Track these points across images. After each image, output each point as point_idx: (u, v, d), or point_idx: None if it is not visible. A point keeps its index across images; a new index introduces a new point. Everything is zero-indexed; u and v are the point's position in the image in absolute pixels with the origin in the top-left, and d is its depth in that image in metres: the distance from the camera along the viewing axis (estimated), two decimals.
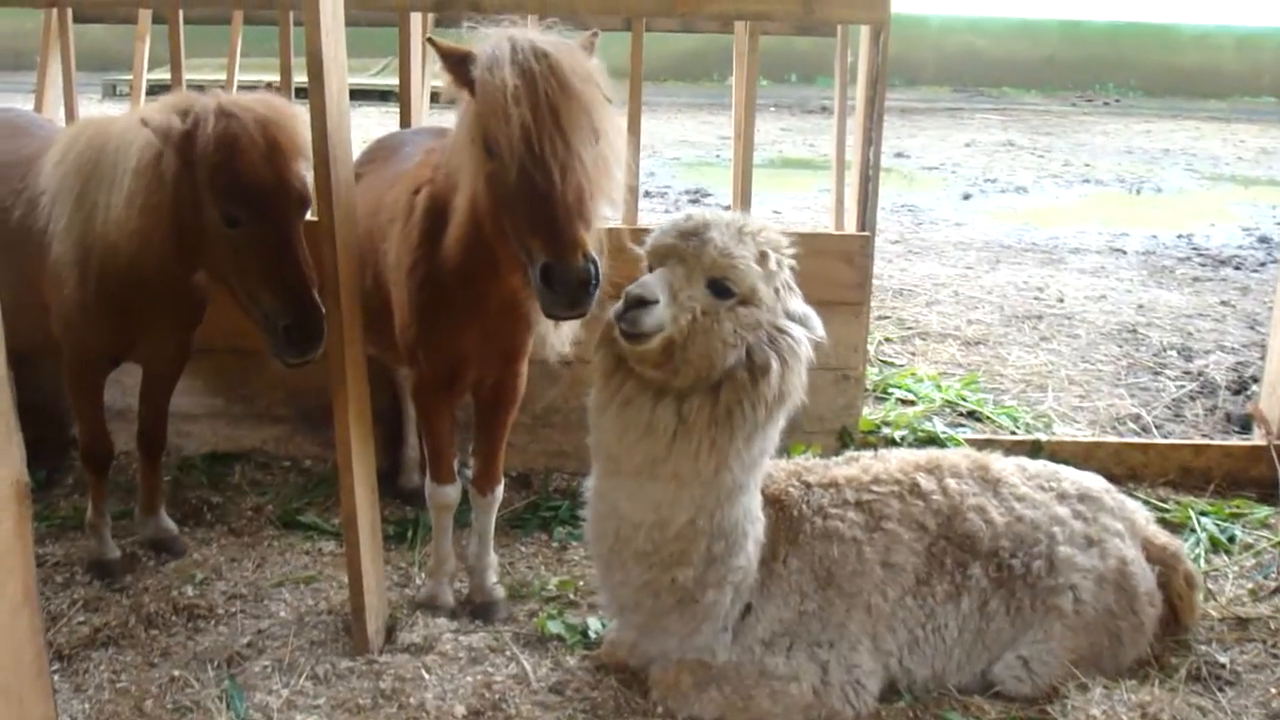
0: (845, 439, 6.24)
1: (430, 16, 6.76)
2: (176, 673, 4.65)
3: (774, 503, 4.46)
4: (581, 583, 5.28)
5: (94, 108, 15.44)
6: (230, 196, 4.41)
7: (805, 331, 4.11)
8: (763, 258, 4.01)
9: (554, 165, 4.02)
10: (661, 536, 4.20)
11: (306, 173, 4.49)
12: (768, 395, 3.99)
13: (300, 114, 4.49)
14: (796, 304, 4.14)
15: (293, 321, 4.43)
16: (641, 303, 3.89)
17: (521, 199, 4.07)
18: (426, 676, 4.56)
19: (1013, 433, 6.74)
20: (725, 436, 4.01)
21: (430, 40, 4.39)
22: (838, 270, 6.02)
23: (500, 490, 5.10)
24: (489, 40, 4.20)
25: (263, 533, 5.75)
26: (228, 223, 4.44)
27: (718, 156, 15.38)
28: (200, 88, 4.86)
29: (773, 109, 18.89)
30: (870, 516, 4.45)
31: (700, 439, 4.00)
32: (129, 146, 4.57)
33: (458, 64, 4.25)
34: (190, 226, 4.55)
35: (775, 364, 3.99)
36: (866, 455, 4.82)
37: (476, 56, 4.19)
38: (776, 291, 4.06)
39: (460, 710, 4.37)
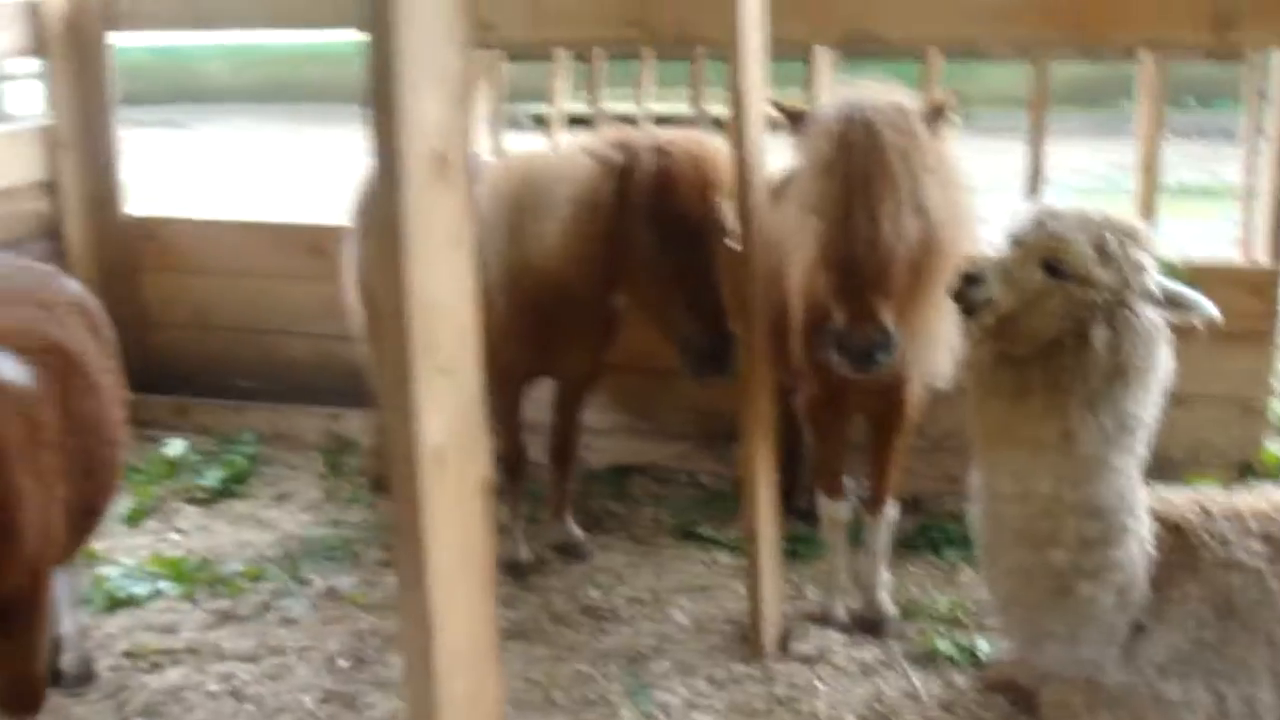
0: (1247, 473, 6.08)
1: (833, 52, 6.94)
2: (583, 668, 4.97)
3: (1171, 528, 4.43)
4: (971, 605, 5.33)
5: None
6: (663, 227, 4.76)
7: (1163, 313, 4.15)
8: (1101, 243, 4.09)
9: (859, 238, 4.28)
10: (1027, 510, 4.24)
11: (727, 205, 4.81)
12: (1099, 362, 4.06)
13: (724, 151, 4.80)
14: (1159, 286, 4.17)
15: (710, 344, 4.76)
16: (970, 279, 4.11)
17: (826, 262, 4.39)
18: (819, 686, 4.73)
19: None
20: (1061, 399, 4.09)
21: (773, 102, 4.62)
22: (1242, 301, 5.88)
23: (892, 510, 5.20)
24: (832, 103, 4.48)
25: (660, 542, 6.02)
26: (655, 250, 4.79)
27: (1112, 184, 15.00)
28: (623, 121, 5.22)
29: (1170, 135, 18.25)
30: (1275, 549, 4.37)
31: (1037, 400, 4.11)
32: (568, 177, 4.98)
33: (796, 124, 4.56)
34: (620, 253, 4.91)
35: (1102, 332, 4.05)
36: (1273, 488, 4.72)
37: (809, 118, 4.48)
38: (1124, 275, 4.12)
39: None
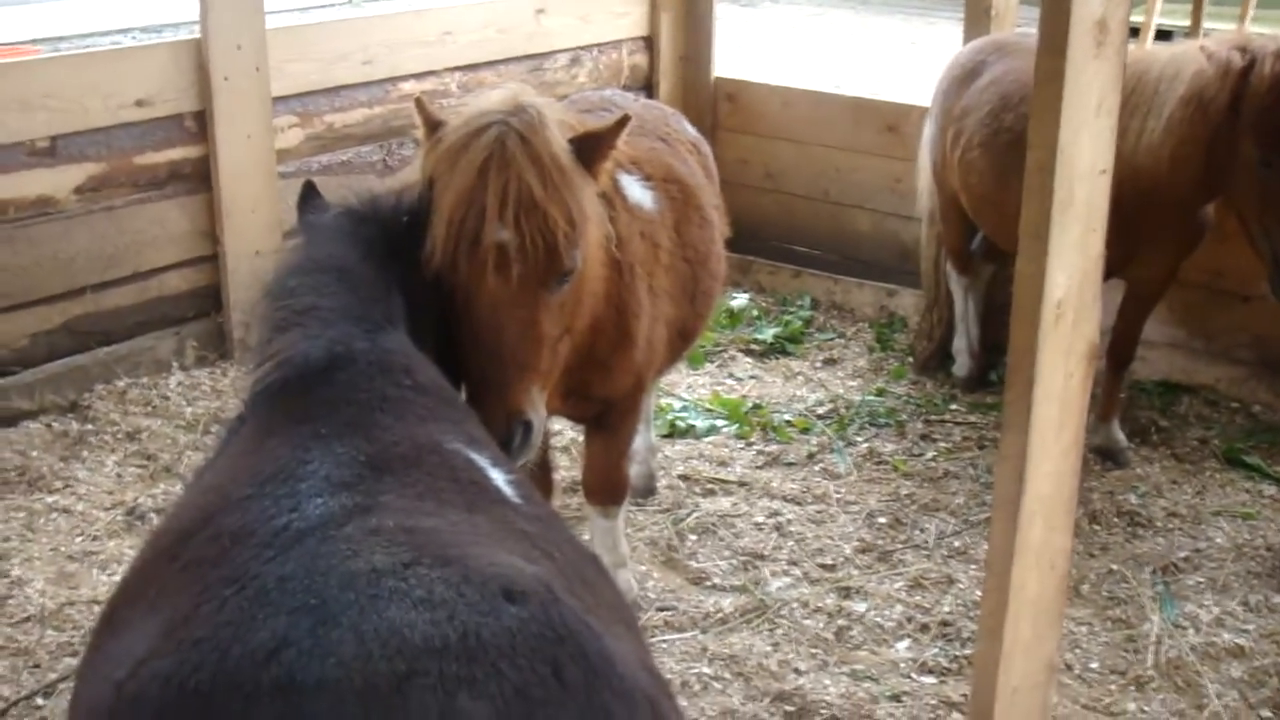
0: None
1: None
2: (1114, 567, 5.02)
3: None
4: None
5: None
6: (1273, 138, 4.62)
7: None
8: None
9: None
10: None
11: None
12: None
13: None
14: None
15: None
16: None
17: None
18: None
19: None
20: None
21: None
22: None
23: None
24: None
25: (1204, 464, 5.88)
26: (1263, 162, 4.66)
27: None
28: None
29: None
30: None
31: None
32: (1177, 75, 4.89)
33: None
34: (1221, 159, 4.80)
35: None
36: None
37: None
38: None
39: None
